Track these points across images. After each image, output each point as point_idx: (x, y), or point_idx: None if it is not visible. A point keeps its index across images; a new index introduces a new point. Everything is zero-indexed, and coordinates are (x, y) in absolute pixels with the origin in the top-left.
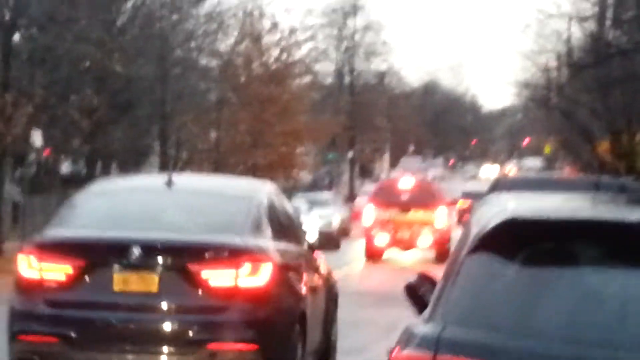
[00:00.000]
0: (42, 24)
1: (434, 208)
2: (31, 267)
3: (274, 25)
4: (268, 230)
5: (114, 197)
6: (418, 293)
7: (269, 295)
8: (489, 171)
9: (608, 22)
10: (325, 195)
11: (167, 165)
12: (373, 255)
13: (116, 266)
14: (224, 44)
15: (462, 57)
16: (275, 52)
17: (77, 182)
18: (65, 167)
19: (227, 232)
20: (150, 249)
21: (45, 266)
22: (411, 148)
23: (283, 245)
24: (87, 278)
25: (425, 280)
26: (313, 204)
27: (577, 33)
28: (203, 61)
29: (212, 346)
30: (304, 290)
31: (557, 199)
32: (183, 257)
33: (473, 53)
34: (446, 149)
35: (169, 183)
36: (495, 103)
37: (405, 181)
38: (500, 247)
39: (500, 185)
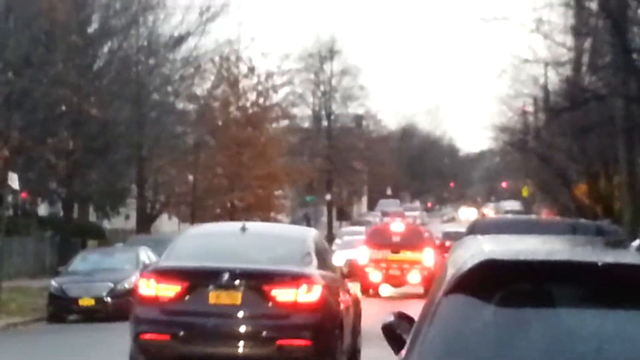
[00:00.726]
0: (18, 67)
1: (422, 249)
2: (149, 286)
3: (251, 70)
4: (315, 262)
5: (205, 238)
6: (396, 332)
7: (318, 307)
8: (467, 213)
9: (584, 68)
10: None
11: (144, 208)
12: (367, 289)
13: (211, 286)
14: (201, 88)
15: (440, 100)
16: (252, 96)
17: (54, 223)
18: (43, 209)
19: (288, 263)
20: (235, 275)
21: (160, 286)
22: (389, 191)
23: (325, 272)
24: (190, 294)
25: (403, 320)
26: None
27: (553, 78)
28: (180, 105)
29: (280, 342)
30: (341, 305)
31: (533, 241)
32: (258, 280)
33: (450, 97)
34: (424, 192)
35: (244, 228)
36: (473, 146)
37: (396, 225)
38: (476, 288)
39: (478, 226)
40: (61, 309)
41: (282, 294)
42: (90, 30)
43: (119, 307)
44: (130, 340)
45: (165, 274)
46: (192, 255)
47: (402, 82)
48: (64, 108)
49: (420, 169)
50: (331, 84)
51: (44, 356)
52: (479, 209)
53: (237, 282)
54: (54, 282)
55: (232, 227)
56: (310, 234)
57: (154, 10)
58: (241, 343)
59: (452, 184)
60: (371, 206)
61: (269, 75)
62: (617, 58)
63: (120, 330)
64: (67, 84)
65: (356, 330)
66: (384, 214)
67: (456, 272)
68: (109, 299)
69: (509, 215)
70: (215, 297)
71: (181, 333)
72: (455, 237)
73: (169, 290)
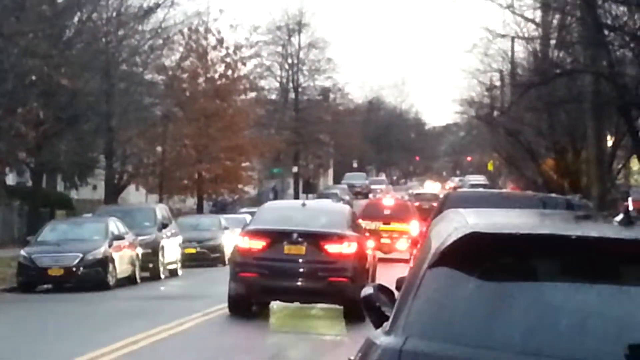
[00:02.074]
0: None
1: (409, 221)
2: (244, 242)
3: (220, 42)
4: (351, 226)
5: (278, 210)
6: (375, 304)
7: (354, 256)
8: (432, 187)
9: (552, 42)
10: None
11: (112, 178)
12: None
13: (285, 242)
14: (170, 59)
15: (406, 74)
16: (220, 68)
17: (22, 193)
18: (11, 179)
19: (334, 228)
20: (300, 235)
21: (251, 242)
22: (355, 164)
23: (356, 233)
24: (270, 247)
25: (382, 292)
26: None
27: (521, 53)
28: (148, 76)
29: (330, 279)
30: (367, 255)
31: (517, 215)
32: (316, 238)
33: (416, 70)
34: (390, 165)
35: (304, 204)
36: (439, 120)
37: (387, 200)
38: (461, 261)
39: (450, 199)
40: (30, 279)
41: (331, 248)
42: (60, 0)
43: (88, 278)
44: (230, 278)
45: (255, 234)
46: (271, 221)
47: (369, 56)
48: (34, 78)
49: (386, 142)
50: (299, 56)
51: (12, 326)
52: (443, 183)
53: (301, 239)
54: (23, 252)
55: (295, 203)
56: (347, 209)
57: None
58: (304, 279)
59: (417, 158)
60: (337, 179)
61: (238, 48)
62: (586, 34)
63: (88, 300)
64: (37, 54)
65: (374, 271)
66: (350, 187)
67: (440, 246)
68: (78, 269)
69: (481, 189)
70: (288, 249)
71: (265, 272)
72: (426, 198)
73: (257, 244)
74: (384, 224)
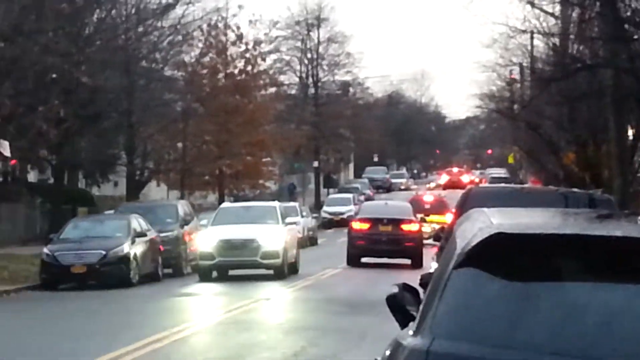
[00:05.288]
0: (9, 35)
1: (445, 214)
2: (355, 224)
3: (239, 37)
4: (413, 214)
5: (372, 206)
6: (400, 304)
7: (417, 233)
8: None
9: (572, 37)
10: (292, 204)
11: (133, 175)
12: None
13: (379, 224)
14: (189, 55)
15: (426, 68)
16: (240, 64)
17: (44, 190)
18: (32, 176)
19: (406, 215)
20: (388, 219)
21: (358, 225)
22: (375, 158)
23: (415, 218)
24: (371, 227)
25: (408, 291)
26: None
27: (541, 47)
28: (168, 72)
29: (405, 244)
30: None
31: (541, 214)
32: (396, 222)
33: (436, 64)
34: (410, 159)
35: (386, 204)
36: (459, 113)
37: (427, 197)
38: (486, 261)
39: (472, 194)
40: (53, 277)
41: (405, 227)
42: None
43: (111, 275)
44: (348, 244)
45: (360, 220)
46: (369, 213)
47: (388, 50)
48: (54, 76)
49: (407, 136)
50: (318, 51)
51: (36, 324)
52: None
53: (387, 221)
54: (46, 250)
55: (381, 202)
56: (408, 203)
57: None
58: (391, 245)
59: (437, 151)
60: (358, 173)
61: (257, 43)
62: (606, 28)
63: (112, 298)
64: (57, 52)
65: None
66: (371, 181)
67: (465, 246)
68: (101, 267)
69: (503, 184)
70: (382, 228)
71: (368, 240)
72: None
73: (362, 226)
74: (425, 215)
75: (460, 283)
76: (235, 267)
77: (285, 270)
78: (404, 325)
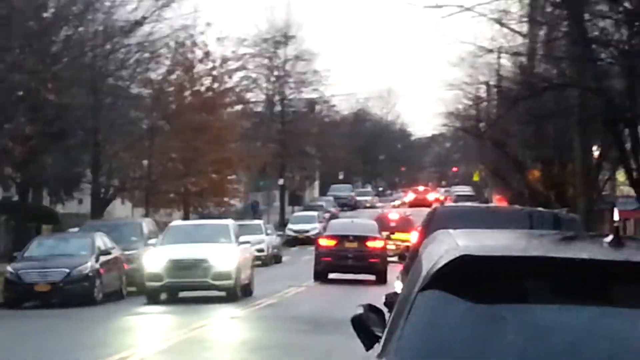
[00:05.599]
0: None
1: (410, 232)
2: (322, 240)
3: (206, 55)
4: (378, 232)
5: (338, 224)
6: (366, 325)
7: (382, 249)
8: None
9: (539, 56)
10: (256, 222)
11: (98, 192)
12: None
13: (345, 240)
14: (156, 73)
15: (392, 85)
16: (207, 81)
17: (8, 208)
18: None
19: (372, 233)
20: (352, 236)
21: (325, 241)
22: (341, 175)
23: (380, 236)
24: (337, 244)
25: (373, 312)
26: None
27: (508, 66)
28: (135, 90)
29: (369, 260)
30: (387, 248)
31: (507, 236)
32: (362, 239)
33: (402, 82)
34: (375, 176)
35: (352, 221)
36: (424, 131)
37: (393, 215)
38: (452, 284)
39: (438, 213)
40: (17, 295)
41: (370, 243)
42: (47, 14)
43: (75, 293)
44: (314, 261)
45: (327, 237)
46: (335, 230)
47: (355, 67)
48: (21, 93)
49: (373, 153)
50: (285, 68)
51: None
52: (433, 191)
53: (353, 238)
54: (9, 268)
55: (347, 220)
56: (373, 221)
57: None
58: (357, 261)
59: (403, 168)
60: (323, 191)
61: (224, 61)
62: (573, 48)
63: (75, 316)
64: (24, 69)
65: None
66: (336, 198)
67: (431, 268)
68: (65, 285)
69: (469, 203)
70: (348, 244)
71: (334, 257)
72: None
73: (329, 242)
74: (390, 233)
75: (426, 305)
76: (184, 289)
77: (238, 293)
78: (369, 346)
